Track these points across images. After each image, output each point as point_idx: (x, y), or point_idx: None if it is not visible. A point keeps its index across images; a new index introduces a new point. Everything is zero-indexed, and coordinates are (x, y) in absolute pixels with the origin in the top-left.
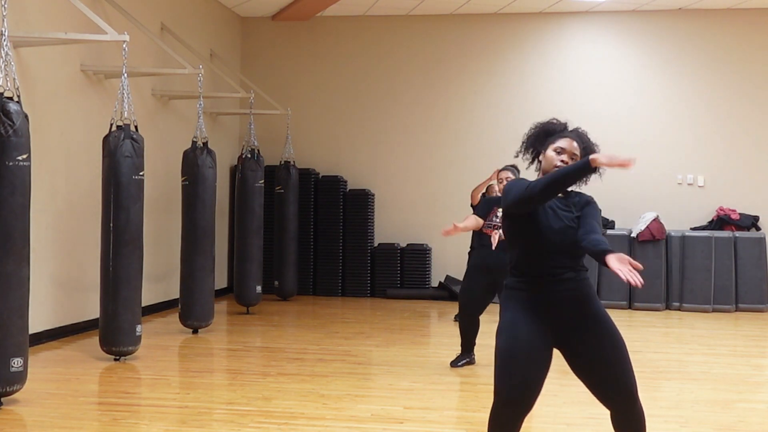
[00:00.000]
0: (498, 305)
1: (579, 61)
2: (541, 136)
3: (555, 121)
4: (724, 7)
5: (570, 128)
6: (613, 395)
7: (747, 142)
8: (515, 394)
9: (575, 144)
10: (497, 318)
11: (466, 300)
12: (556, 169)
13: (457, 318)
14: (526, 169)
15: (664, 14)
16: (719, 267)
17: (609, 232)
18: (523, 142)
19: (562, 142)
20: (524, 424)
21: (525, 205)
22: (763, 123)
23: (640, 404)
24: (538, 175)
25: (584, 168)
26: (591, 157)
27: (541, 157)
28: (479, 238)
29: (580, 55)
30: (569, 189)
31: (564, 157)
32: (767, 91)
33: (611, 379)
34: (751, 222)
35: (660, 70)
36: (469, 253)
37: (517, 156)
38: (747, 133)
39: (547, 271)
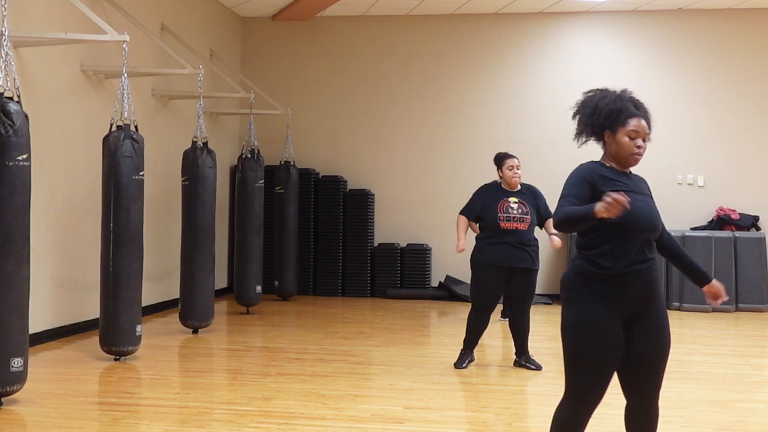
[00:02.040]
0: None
1: (579, 61)
2: (612, 116)
3: (628, 96)
4: (724, 7)
5: (634, 102)
6: (644, 390)
7: (747, 142)
8: (596, 391)
9: (644, 123)
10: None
11: (484, 298)
12: (570, 209)
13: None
14: (578, 147)
15: (664, 14)
16: (719, 267)
17: None
18: (583, 123)
19: (634, 123)
20: (523, 424)
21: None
22: (763, 123)
23: (658, 404)
24: (602, 159)
25: (592, 216)
26: (596, 209)
27: (608, 138)
28: (497, 234)
29: (580, 55)
30: (630, 168)
31: (639, 141)
32: (766, 90)
33: (650, 375)
34: (751, 222)
35: (660, 70)
36: (472, 252)
37: (577, 139)
38: (747, 133)
39: (637, 260)
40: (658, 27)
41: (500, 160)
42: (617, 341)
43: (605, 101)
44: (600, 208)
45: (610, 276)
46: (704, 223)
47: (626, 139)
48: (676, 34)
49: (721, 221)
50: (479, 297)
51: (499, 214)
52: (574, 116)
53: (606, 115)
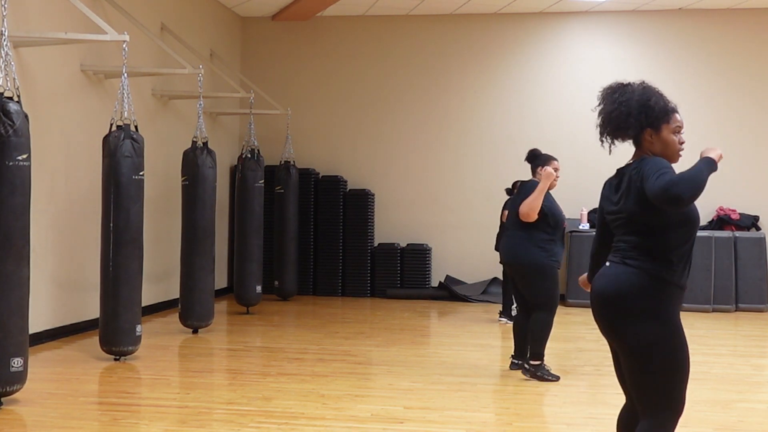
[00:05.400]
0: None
1: (579, 61)
2: (661, 114)
3: (658, 89)
4: (724, 7)
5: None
6: None
7: (747, 142)
8: (684, 404)
9: (679, 117)
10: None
11: (557, 299)
12: (695, 171)
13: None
14: (610, 154)
15: (664, 14)
16: (719, 267)
17: None
18: (630, 123)
19: (678, 119)
20: (523, 424)
21: (671, 206)
22: (763, 123)
23: None
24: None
25: (711, 170)
26: (715, 156)
27: (649, 137)
28: (560, 232)
29: (580, 54)
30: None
31: (682, 137)
32: (766, 90)
33: None
34: (751, 222)
35: (660, 70)
36: (528, 251)
37: (608, 140)
38: (747, 132)
39: (691, 261)
40: (658, 27)
41: (545, 160)
42: None
43: (653, 99)
44: (717, 155)
45: (683, 278)
46: (704, 223)
47: (672, 136)
48: (676, 34)
49: (721, 221)
50: (555, 298)
51: (563, 213)
52: (608, 114)
53: (657, 113)
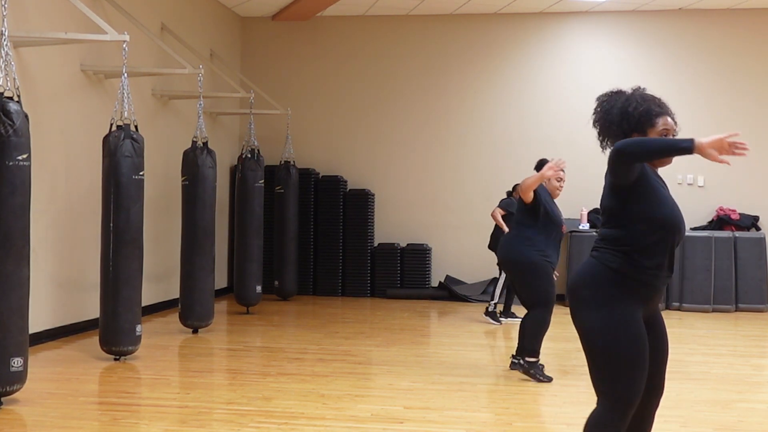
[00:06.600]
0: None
1: (579, 61)
2: (643, 119)
3: (646, 94)
4: (724, 7)
5: (656, 101)
6: (649, 396)
7: (747, 142)
8: (637, 394)
9: (670, 120)
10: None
11: (553, 295)
12: (660, 139)
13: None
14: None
15: (664, 14)
16: (719, 267)
17: None
18: (612, 130)
19: (665, 122)
20: (523, 424)
21: (621, 163)
22: (763, 123)
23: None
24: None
25: (684, 151)
26: (698, 142)
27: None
28: (557, 235)
29: (580, 55)
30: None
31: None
32: (767, 90)
33: (658, 381)
34: (751, 222)
35: (660, 70)
36: (521, 250)
37: (604, 144)
38: (747, 132)
39: (670, 262)
40: (658, 27)
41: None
42: (646, 342)
43: (633, 105)
44: (711, 141)
45: (649, 276)
46: (704, 223)
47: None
48: (676, 34)
49: (721, 221)
50: (550, 295)
51: (563, 217)
52: (595, 123)
53: (637, 119)
